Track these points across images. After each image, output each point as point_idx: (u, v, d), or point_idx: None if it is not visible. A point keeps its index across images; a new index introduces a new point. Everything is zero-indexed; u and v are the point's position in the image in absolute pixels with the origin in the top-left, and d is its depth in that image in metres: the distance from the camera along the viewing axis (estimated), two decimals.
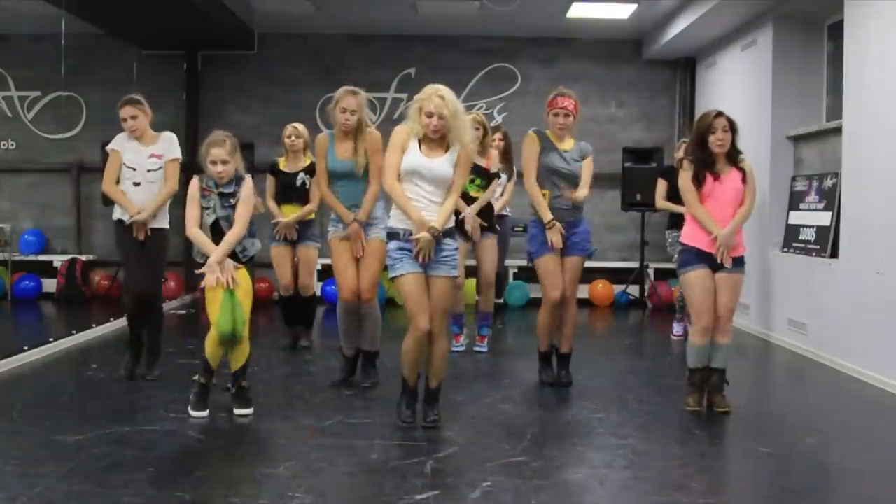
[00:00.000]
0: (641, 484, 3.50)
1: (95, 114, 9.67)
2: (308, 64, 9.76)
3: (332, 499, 3.24)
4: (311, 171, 6.09)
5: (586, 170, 5.09)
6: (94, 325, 6.80)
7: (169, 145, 5.19)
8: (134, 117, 5.16)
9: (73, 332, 6.56)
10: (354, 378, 5.11)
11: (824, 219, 6.49)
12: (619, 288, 9.33)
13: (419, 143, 4.10)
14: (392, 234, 4.10)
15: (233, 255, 4.34)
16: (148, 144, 5.17)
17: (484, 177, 5.95)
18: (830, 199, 6.44)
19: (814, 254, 6.55)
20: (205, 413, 4.32)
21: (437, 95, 4.02)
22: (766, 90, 7.50)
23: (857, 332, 5.70)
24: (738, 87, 8.30)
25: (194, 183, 4.40)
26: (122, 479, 3.39)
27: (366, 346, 5.09)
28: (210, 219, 4.36)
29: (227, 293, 4.25)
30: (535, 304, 9.31)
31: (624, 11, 8.59)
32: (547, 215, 4.95)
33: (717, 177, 4.53)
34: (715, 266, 4.53)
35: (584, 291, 9.46)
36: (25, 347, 5.85)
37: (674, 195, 6.24)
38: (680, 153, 6.73)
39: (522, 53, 9.81)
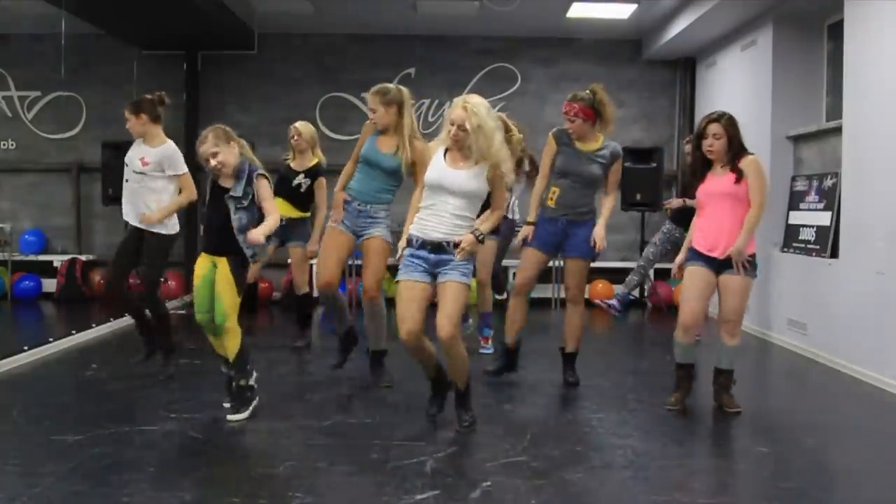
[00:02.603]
0: (641, 484, 3.50)
1: (95, 114, 9.67)
2: (308, 64, 9.77)
3: (332, 499, 3.24)
4: (312, 174, 6.09)
5: (613, 176, 5.05)
6: (93, 325, 6.80)
7: (167, 158, 5.14)
8: (126, 119, 5.21)
9: (73, 332, 6.56)
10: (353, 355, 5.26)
11: (824, 219, 6.49)
12: (619, 288, 9.31)
13: (444, 153, 4.03)
14: (408, 241, 4.07)
15: (240, 253, 4.23)
16: (147, 146, 5.17)
17: None
18: (830, 199, 6.44)
19: (814, 254, 6.55)
20: (245, 415, 4.27)
21: (462, 105, 3.92)
22: (766, 90, 7.50)
23: (857, 332, 5.70)
24: (738, 87, 8.30)
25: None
26: (122, 479, 3.39)
27: (371, 345, 5.09)
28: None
29: (204, 282, 4.23)
30: (538, 304, 9.32)
31: (624, 11, 8.59)
32: (531, 216, 5.07)
33: (706, 180, 4.53)
34: (719, 268, 4.51)
35: (584, 291, 9.45)
36: (25, 347, 5.85)
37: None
38: (688, 148, 6.69)
39: (522, 53, 9.81)
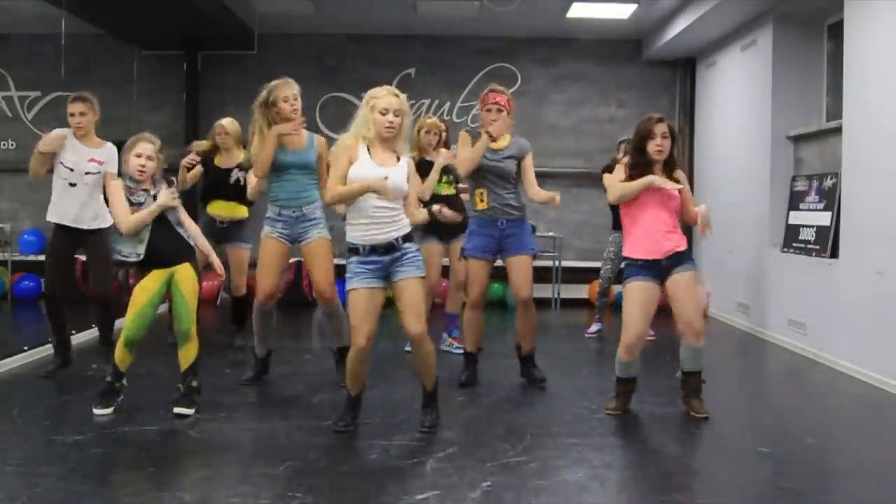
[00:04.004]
0: (641, 484, 3.50)
1: None
2: (308, 64, 9.76)
3: (332, 499, 3.24)
4: (245, 167, 6.05)
5: (529, 171, 5.03)
6: (93, 326, 6.79)
7: (111, 157, 5.22)
8: (83, 114, 5.22)
9: (73, 332, 6.54)
10: (267, 377, 5.20)
11: (824, 219, 6.49)
12: (618, 288, 9.28)
13: (368, 151, 3.96)
14: (352, 250, 3.98)
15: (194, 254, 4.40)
16: (88, 146, 5.22)
17: (451, 172, 5.85)
18: (830, 199, 6.44)
19: (814, 254, 6.55)
20: (109, 410, 4.32)
21: (393, 94, 3.95)
22: (766, 90, 7.51)
23: (857, 332, 5.70)
24: (738, 87, 8.31)
25: (118, 183, 4.36)
26: (122, 479, 3.39)
27: (335, 344, 5.10)
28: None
29: (144, 305, 4.29)
30: (538, 304, 9.30)
31: (624, 11, 8.59)
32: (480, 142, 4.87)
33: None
34: (662, 275, 4.42)
35: (583, 291, 9.48)
36: (25, 347, 5.85)
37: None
38: (619, 154, 6.79)
39: (522, 53, 9.81)
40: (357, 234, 3.96)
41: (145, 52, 9.49)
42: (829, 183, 6.53)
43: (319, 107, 9.66)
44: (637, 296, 4.39)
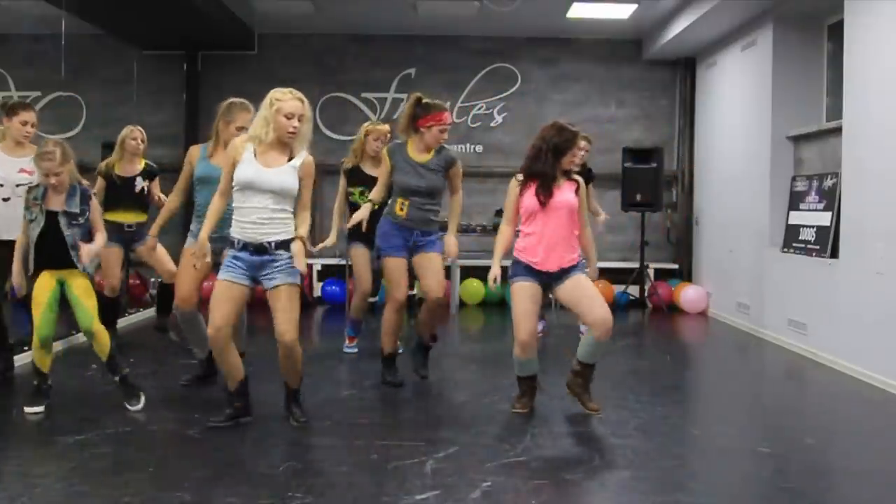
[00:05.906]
0: (641, 484, 3.50)
1: (95, 114, 9.67)
2: (308, 64, 9.77)
3: (332, 499, 3.24)
4: (149, 175, 6.03)
5: (455, 179, 4.96)
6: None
7: None
8: (33, 125, 5.08)
9: (73, 332, 6.54)
10: (216, 379, 5.04)
11: (824, 219, 6.49)
12: (619, 288, 9.33)
13: (255, 153, 3.95)
14: (230, 242, 4.00)
15: (71, 266, 4.33)
16: (18, 156, 5.07)
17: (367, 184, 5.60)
18: (830, 200, 6.44)
19: (814, 254, 6.55)
20: (41, 408, 4.35)
21: (297, 98, 3.94)
22: (766, 90, 7.51)
23: (857, 332, 5.70)
24: (738, 87, 8.31)
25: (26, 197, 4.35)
26: (122, 479, 3.39)
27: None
28: (34, 232, 4.31)
29: (48, 304, 4.31)
30: None
31: (624, 11, 8.59)
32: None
33: (556, 190, 4.40)
34: (548, 282, 4.41)
35: None
36: (26, 348, 5.84)
37: None
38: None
39: (522, 53, 9.82)
40: (236, 226, 3.97)
41: (145, 52, 9.50)
42: (829, 183, 6.54)
43: (319, 107, 9.66)
44: (525, 294, 4.39)
